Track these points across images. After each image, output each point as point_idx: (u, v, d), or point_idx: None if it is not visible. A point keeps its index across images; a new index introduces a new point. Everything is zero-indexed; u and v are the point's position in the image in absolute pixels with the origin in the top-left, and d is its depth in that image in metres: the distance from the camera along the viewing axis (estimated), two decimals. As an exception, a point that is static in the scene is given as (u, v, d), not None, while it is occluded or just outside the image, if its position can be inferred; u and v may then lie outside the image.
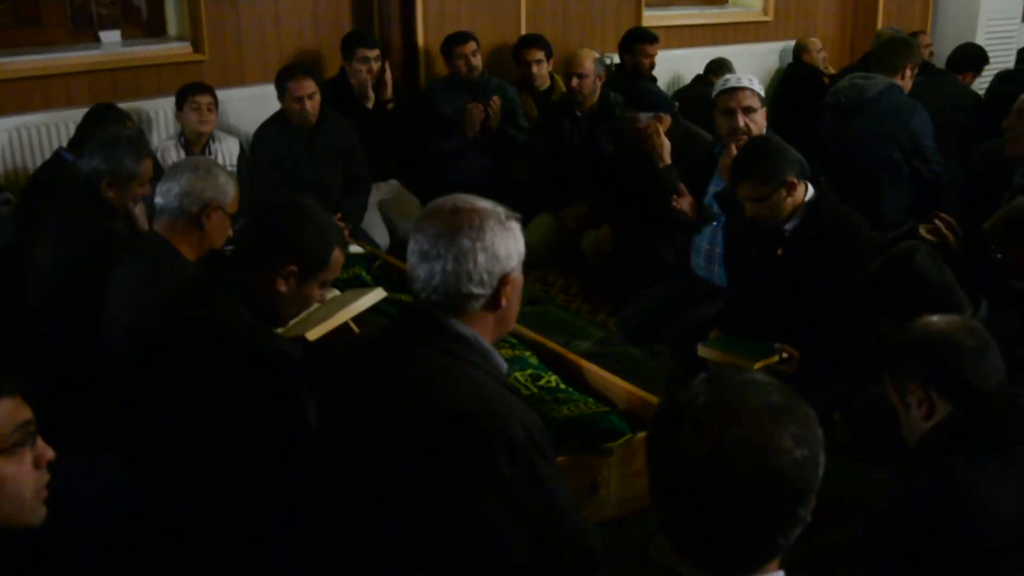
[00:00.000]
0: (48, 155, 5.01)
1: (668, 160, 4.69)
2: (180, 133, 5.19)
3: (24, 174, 5.10)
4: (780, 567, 1.51)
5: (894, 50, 5.39)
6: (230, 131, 5.55)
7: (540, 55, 6.28)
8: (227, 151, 5.27)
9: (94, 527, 2.42)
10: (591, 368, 3.46)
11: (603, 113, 5.75)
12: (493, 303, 2.08)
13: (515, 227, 2.11)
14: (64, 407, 2.88)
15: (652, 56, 6.76)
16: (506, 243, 2.07)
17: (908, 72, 5.27)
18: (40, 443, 1.78)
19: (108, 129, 4.04)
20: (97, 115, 4.62)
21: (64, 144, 5.03)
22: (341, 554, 2.10)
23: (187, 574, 2.47)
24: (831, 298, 3.39)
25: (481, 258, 2.03)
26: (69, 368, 3.35)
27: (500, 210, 2.10)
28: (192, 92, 5.13)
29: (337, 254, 2.67)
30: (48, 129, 5.20)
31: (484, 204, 2.09)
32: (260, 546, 2.41)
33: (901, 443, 2.37)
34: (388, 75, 5.79)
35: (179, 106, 5.14)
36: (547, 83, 6.40)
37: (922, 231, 3.71)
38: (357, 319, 3.28)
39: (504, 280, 2.07)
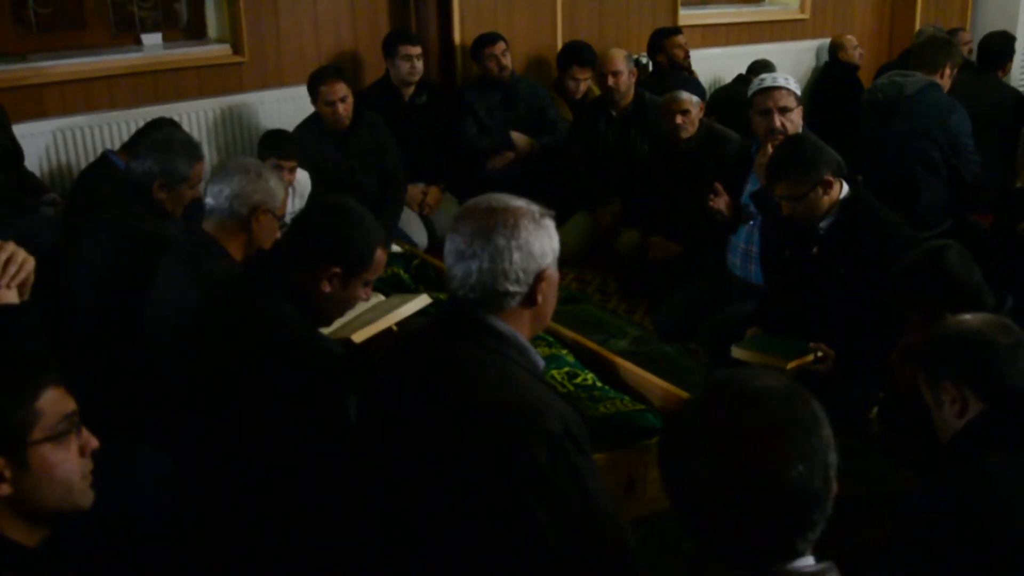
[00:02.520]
0: (92, 156, 5.11)
1: None
2: None
3: (68, 175, 5.21)
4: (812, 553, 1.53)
5: (934, 49, 5.36)
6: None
7: (588, 74, 6.29)
8: (300, 185, 5.08)
9: (140, 516, 2.48)
10: (627, 366, 3.48)
11: (638, 113, 5.77)
12: (529, 299, 2.11)
13: (549, 224, 2.14)
14: (110, 403, 2.95)
15: (684, 46, 6.77)
16: (540, 240, 2.10)
17: (948, 71, 5.24)
18: (85, 432, 1.87)
19: (162, 131, 4.10)
20: (154, 124, 4.69)
21: (109, 145, 5.13)
22: (381, 544, 2.14)
23: (227, 564, 2.51)
24: (866, 296, 3.39)
25: (516, 256, 2.06)
26: (115, 365, 3.40)
27: (534, 208, 2.13)
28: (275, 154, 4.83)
29: (379, 254, 2.70)
30: (92, 130, 5.30)
31: (518, 203, 2.12)
32: (300, 538, 2.45)
33: (936, 441, 2.37)
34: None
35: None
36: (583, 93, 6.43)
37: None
38: (400, 323, 3.31)
39: (540, 277, 2.10)
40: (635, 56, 6.23)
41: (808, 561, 1.51)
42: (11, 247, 2.21)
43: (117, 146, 5.08)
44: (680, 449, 1.51)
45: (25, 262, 2.22)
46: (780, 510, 1.44)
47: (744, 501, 1.44)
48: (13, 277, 2.18)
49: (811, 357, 3.40)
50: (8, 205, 4.60)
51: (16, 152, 4.90)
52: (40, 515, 1.79)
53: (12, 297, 2.18)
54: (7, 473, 1.72)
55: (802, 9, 8.26)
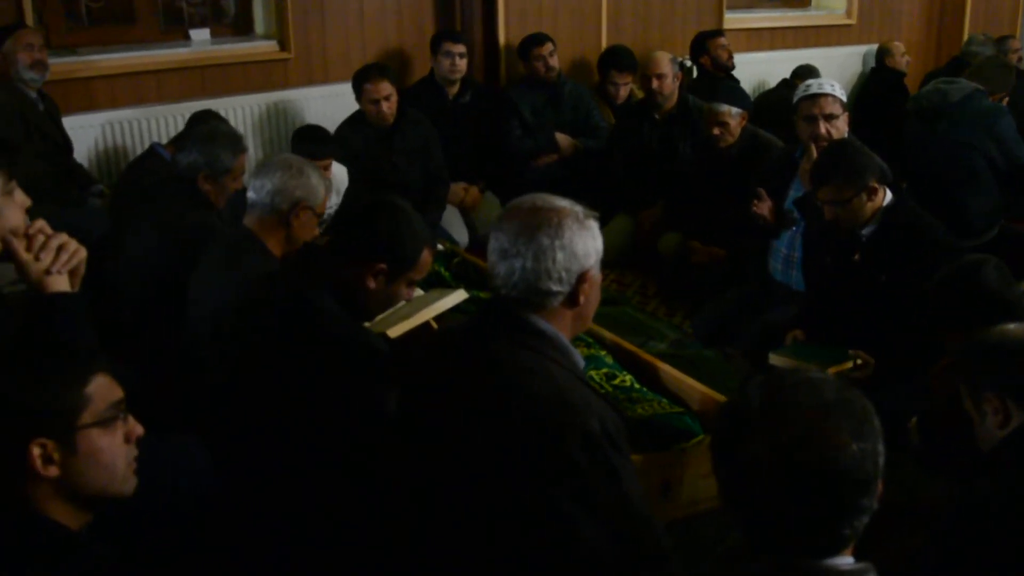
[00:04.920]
0: (139, 149, 5.20)
1: None
2: None
3: (116, 167, 5.29)
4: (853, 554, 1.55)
5: (997, 72, 5.34)
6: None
7: (629, 79, 6.30)
8: (336, 180, 5.08)
9: (180, 505, 2.51)
10: (666, 369, 3.46)
11: (681, 116, 5.76)
12: (571, 300, 2.12)
13: (593, 225, 2.15)
14: (153, 392, 2.99)
15: (727, 47, 6.76)
16: (584, 241, 2.11)
17: (1000, 96, 5.23)
18: (131, 420, 1.90)
19: (207, 124, 4.15)
20: (199, 118, 4.75)
21: (156, 138, 5.19)
22: (418, 539, 2.15)
23: (264, 555, 2.54)
24: (907, 304, 3.37)
25: (560, 256, 2.07)
26: (158, 355, 3.44)
27: (578, 209, 2.14)
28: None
29: (426, 254, 2.71)
30: (140, 124, 5.39)
31: (563, 203, 2.13)
32: (336, 531, 2.47)
33: (977, 451, 2.35)
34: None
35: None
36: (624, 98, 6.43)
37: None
38: (437, 318, 3.33)
39: (582, 277, 2.11)
40: (679, 59, 6.22)
41: (848, 560, 1.52)
42: (64, 236, 2.26)
43: (164, 139, 5.14)
44: (737, 434, 1.53)
45: (77, 251, 2.26)
46: (833, 490, 1.46)
47: (800, 480, 1.46)
48: (65, 264, 2.23)
49: (850, 364, 3.38)
50: (57, 197, 4.67)
51: (66, 144, 4.98)
52: (85, 499, 1.83)
53: (64, 284, 2.23)
54: (56, 456, 1.76)
55: (849, 14, 8.19)
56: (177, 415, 2.94)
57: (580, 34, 6.62)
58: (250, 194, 3.26)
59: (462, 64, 5.83)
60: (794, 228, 4.38)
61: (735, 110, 5.02)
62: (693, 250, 5.20)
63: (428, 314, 3.27)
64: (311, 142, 4.81)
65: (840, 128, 4.22)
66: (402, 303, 3.09)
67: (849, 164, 3.53)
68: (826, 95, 4.23)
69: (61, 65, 5.15)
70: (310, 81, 5.94)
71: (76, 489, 1.80)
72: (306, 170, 3.27)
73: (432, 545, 2.12)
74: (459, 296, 3.41)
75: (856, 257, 3.62)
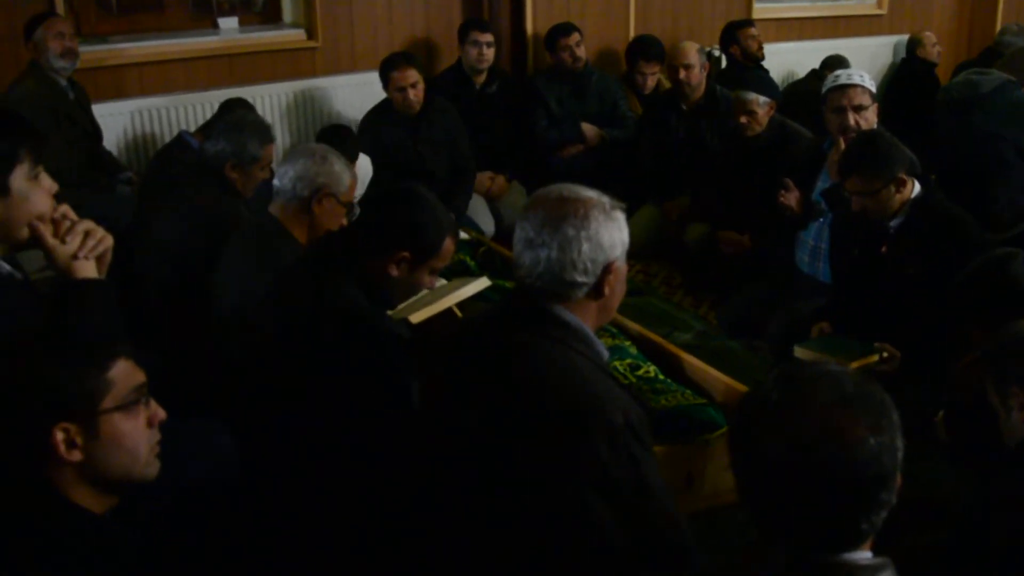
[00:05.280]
0: (168, 137, 5.23)
1: None
2: None
3: (145, 155, 5.33)
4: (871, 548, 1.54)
5: None
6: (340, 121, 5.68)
7: (656, 69, 6.27)
8: (361, 171, 5.02)
9: (203, 489, 2.53)
10: (690, 360, 3.46)
11: (709, 107, 5.73)
12: (596, 291, 2.11)
13: (620, 217, 2.14)
14: (178, 378, 3.01)
15: (757, 37, 6.71)
16: (610, 232, 2.10)
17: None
18: (153, 404, 1.92)
19: (235, 113, 4.17)
20: (229, 105, 4.78)
21: (184, 126, 5.23)
22: (440, 530, 2.16)
23: (286, 541, 2.55)
24: (934, 298, 3.34)
25: (585, 247, 2.06)
26: (184, 342, 3.46)
27: (605, 200, 2.13)
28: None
29: (448, 242, 2.72)
30: (168, 111, 5.41)
31: (589, 194, 2.12)
32: (359, 520, 2.48)
33: (1004, 446, 2.33)
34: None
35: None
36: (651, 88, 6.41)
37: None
38: (460, 305, 3.34)
39: (608, 269, 2.10)
40: (707, 49, 6.18)
41: (866, 554, 1.52)
42: (90, 223, 2.27)
43: (193, 127, 5.17)
44: (754, 430, 1.52)
45: (104, 239, 2.28)
46: (850, 484, 1.45)
47: (817, 476, 1.45)
48: (92, 249, 2.25)
49: (875, 358, 3.36)
50: (86, 184, 4.71)
51: (95, 132, 5.01)
52: (108, 483, 1.84)
53: (91, 270, 2.25)
54: (79, 440, 1.77)
55: (879, 5, 8.11)
56: (202, 401, 2.97)
57: (607, 24, 6.59)
58: (275, 182, 3.28)
59: (489, 54, 5.82)
60: (821, 219, 4.35)
61: (763, 99, 5.00)
62: (723, 239, 5.17)
63: (451, 301, 3.28)
64: (334, 143, 4.79)
65: (869, 119, 4.18)
66: (424, 292, 3.11)
67: (878, 155, 3.50)
68: (855, 86, 4.19)
69: (91, 53, 5.18)
70: (337, 70, 5.96)
71: (99, 473, 1.82)
72: (330, 157, 3.29)
73: (453, 534, 2.12)
74: (481, 283, 3.42)
75: (883, 249, 3.59)
